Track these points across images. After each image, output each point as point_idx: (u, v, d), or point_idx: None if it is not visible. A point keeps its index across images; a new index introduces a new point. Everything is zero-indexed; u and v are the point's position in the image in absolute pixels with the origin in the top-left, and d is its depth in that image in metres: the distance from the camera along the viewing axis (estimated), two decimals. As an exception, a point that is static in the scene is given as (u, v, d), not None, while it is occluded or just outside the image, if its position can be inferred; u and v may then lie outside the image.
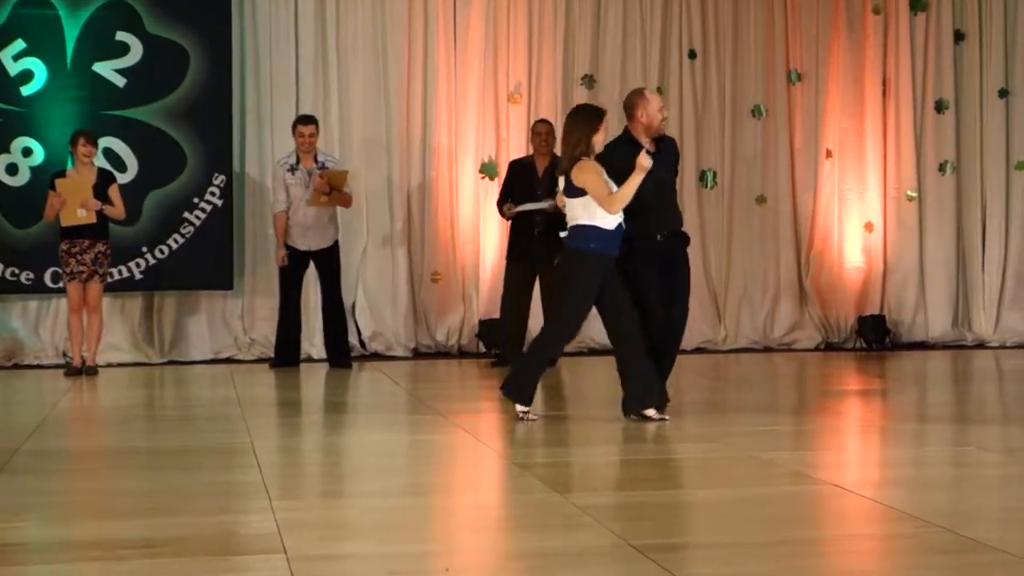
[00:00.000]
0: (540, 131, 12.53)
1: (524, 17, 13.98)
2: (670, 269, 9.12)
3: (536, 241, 12.24)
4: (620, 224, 8.68)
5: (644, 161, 8.57)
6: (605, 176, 8.67)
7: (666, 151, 9.26)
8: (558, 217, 12.29)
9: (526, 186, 12.36)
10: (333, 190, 12.29)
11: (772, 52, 14.51)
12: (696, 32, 14.36)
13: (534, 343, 9.45)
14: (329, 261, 12.50)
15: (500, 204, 12.62)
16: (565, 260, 8.87)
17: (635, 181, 8.56)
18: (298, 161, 12.40)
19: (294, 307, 12.56)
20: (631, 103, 9.19)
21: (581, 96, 13.94)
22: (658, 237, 9.05)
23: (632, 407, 8.77)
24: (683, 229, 9.42)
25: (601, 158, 8.82)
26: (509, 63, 13.96)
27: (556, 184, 12.27)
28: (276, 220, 12.47)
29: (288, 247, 12.39)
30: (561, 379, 11.84)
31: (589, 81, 14.10)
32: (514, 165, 12.74)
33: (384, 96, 13.67)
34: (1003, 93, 14.86)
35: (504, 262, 12.84)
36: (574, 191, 8.73)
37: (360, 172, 13.55)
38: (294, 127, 12.50)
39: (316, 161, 12.42)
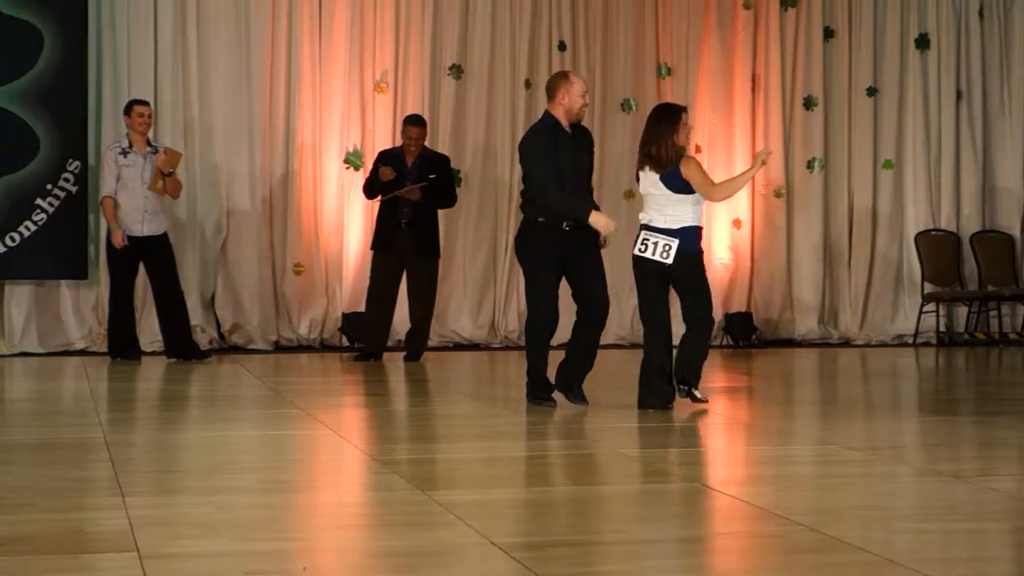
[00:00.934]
0: (412, 134, 12.38)
1: (391, 5, 13.82)
2: (577, 260, 8.98)
3: (403, 232, 12.15)
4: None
5: (763, 155, 9.00)
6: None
7: (587, 138, 9.19)
8: (424, 209, 12.24)
9: (396, 176, 12.22)
10: (171, 173, 12.04)
11: (642, 46, 14.49)
12: (566, 24, 14.29)
13: (703, 346, 9.30)
14: (165, 248, 12.24)
15: (368, 189, 12.47)
16: (688, 266, 8.89)
17: (749, 175, 9.09)
18: (131, 145, 12.11)
19: (130, 296, 12.25)
20: (554, 84, 9.09)
21: (449, 87, 13.82)
22: (564, 226, 8.88)
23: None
24: None
25: (526, 141, 9.05)
26: (376, 52, 13.80)
27: (424, 177, 12.20)
28: (104, 204, 12.13)
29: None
30: (426, 373, 11.71)
31: (457, 71, 13.97)
32: (384, 155, 12.59)
33: (247, 82, 13.44)
34: (872, 91, 14.99)
35: (369, 253, 12.69)
36: (676, 186, 8.80)
37: (221, 158, 13.32)
38: (128, 110, 12.20)
39: (149, 145, 12.16)
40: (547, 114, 9.12)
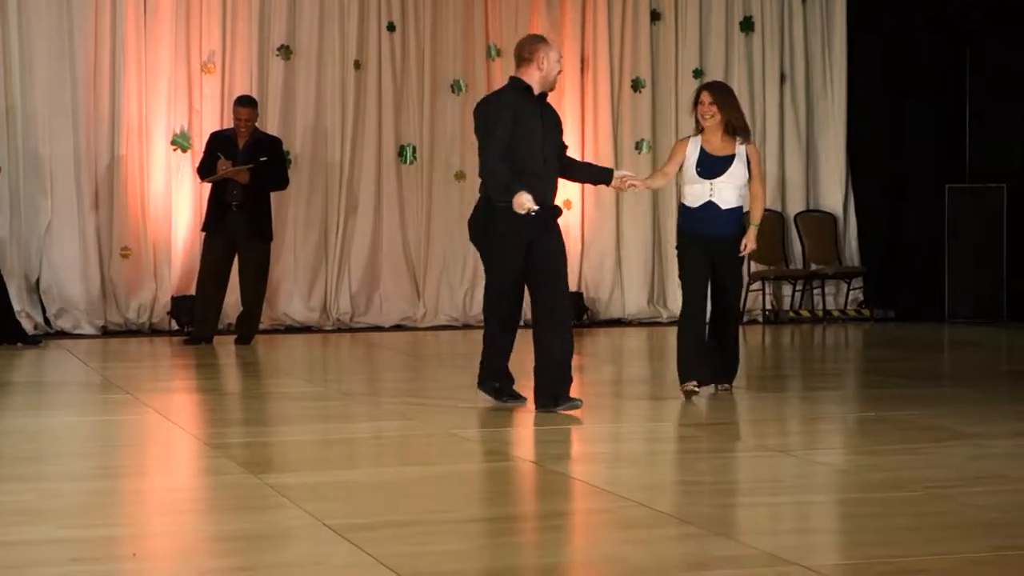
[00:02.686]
0: (242, 115, 12.27)
1: (218, -17, 13.64)
2: (541, 244, 8.08)
3: (234, 215, 12.06)
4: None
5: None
6: None
7: (555, 115, 8.40)
8: (255, 191, 12.13)
9: (227, 158, 12.10)
10: None
11: (472, 27, 14.49)
12: (395, 5, 14.23)
13: (733, 331, 9.12)
14: None
15: (202, 171, 12.33)
16: (734, 251, 8.75)
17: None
18: None
19: None
20: (531, 48, 8.17)
21: (277, 67, 13.71)
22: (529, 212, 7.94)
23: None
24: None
25: (484, 103, 8.33)
26: (202, 32, 13.62)
27: (255, 159, 12.09)
28: None
29: None
30: (257, 356, 11.61)
31: (286, 52, 13.85)
32: (215, 136, 12.47)
33: (69, 65, 13.17)
34: (698, 73, 15.16)
35: (200, 237, 12.54)
36: (728, 169, 8.73)
37: (44, 142, 13.06)
38: None
39: None
40: (516, 79, 8.22)
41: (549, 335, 8.04)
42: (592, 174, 9.05)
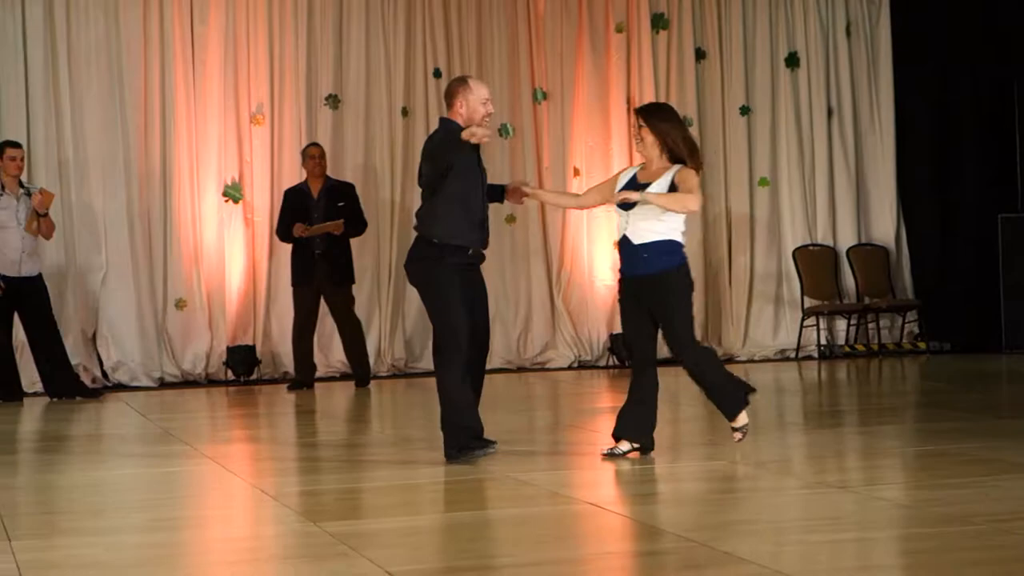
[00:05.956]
0: (313, 154, 12.72)
1: (264, 36, 13.76)
2: (473, 286, 8.18)
3: (318, 263, 12.34)
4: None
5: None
6: None
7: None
8: (336, 238, 12.31)
9: (302, 211, 12.45)
10: (45, 214, 11.89)
11: (517, 70, 14.55)
12: (440, 50, 14.31)
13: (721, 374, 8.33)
14: (41, 289, 12.09)
15: (280, 233, 12.60)
16: (671, 289, 8.03)
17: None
18: (3, 188, 11.94)
19: (9, 338, 12.06)
20: (451, 91, 8.10)
21: (326, 116, 13.81)
22: (469, 251, 8.09)
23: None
24: None
25: (429, 141, 8.15)
26: (251, 84, 13.73)
27: (332, 206, 12.31)
28: None
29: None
30: (313, 403, 11.65)
31: (334, 101, 13.94)
32: (289, 193, 12.77)
33: (120, 120, 13.31)
34: (745, 110, 15.17)
35: (248, 286, 12.71)
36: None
37: (97, 196, 13.19)
38: (0, 152, 12.00)
39: (22, 187, 12.01)
40: (447, 120, 8.10)
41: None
42: (490, 194, 8.42)
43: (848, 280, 15.42)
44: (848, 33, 15.56)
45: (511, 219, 14.43)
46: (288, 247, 12.78)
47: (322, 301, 12.68)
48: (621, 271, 8.06)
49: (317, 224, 12.42)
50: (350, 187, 12.92)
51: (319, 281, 12.49)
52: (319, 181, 12.70)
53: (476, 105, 8.04)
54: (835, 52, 15.53)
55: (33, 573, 5.19)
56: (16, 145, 12.11)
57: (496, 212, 14.29)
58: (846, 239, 15.48)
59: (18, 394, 12.09)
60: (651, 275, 7.93)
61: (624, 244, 7.96)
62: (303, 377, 12.67)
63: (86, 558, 5.59)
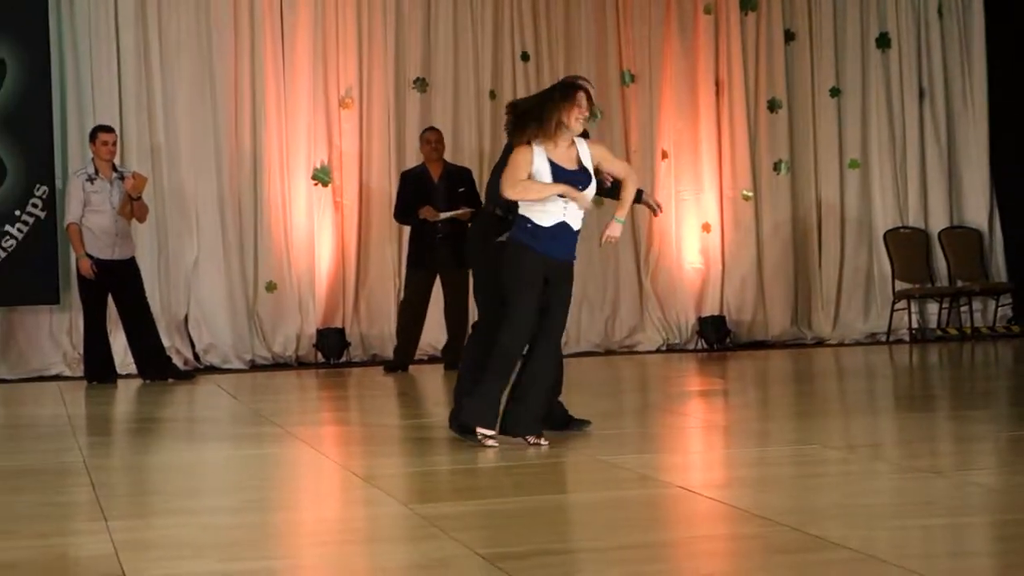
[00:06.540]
0: (430, 139, 12.81)
1: (353, 20, 13.81)
2: None
3: (438, 246, 12.36)
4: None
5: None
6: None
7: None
8: (457, 221, 12.34)
9: (424, 194, 12.42)
10: (138, 198, 12.03)
11: (605, 54, 14.52)
12: (528, 34, 14.31)
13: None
14: (134, 272, 12.23)
15: (400, 215, 12.65)
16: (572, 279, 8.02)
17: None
18: (97, 171, 12.08)
19: (103, 321, 12.22)
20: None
21: (414, 100, 13.87)
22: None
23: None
24: None
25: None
26: (339, 68, 13.79)
27: (453, 190, 12.34)
28: (70, 231, 12.06)
29: (92, 259, 12.02)
30: (405, 386, 11.71)
31: (422, 84, 13.98)
32: (408, 176, 12.80)
33: (212, 102, 13.42)
34: (835, 92, 15.05)
35: (338, 270, 12.75)
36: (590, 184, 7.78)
37: (188, 180, 13.32)
38: (94, 136, 12.15)
39: (116, 171, 12.14)
40: None
41: None
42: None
43: (940, 263, 15.27)
44: (940, 13, 15.39)
45: (599, 202, 14.36)
46: (388, 230, 12.80)
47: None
48: (551, 254, 7.77)
49: (444, 210, 12.39)
50: (468, 172, 12.94)
51: (439, 264, 12.46)
52: (438, 165, 12.73)
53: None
54: (927, 32, 15.36)
55: (129, 553, 5.26)
56: (109, 129, 12.25)
57: (584, 195, 14.34)
58: (938, 221, 15.33)
59: (112, 376, 12.25)
60: (571, 263, 7.88)
61: (564, 229, 7.79)
62: (401, 359, 12.69)
63: (181, 538, 5.66)
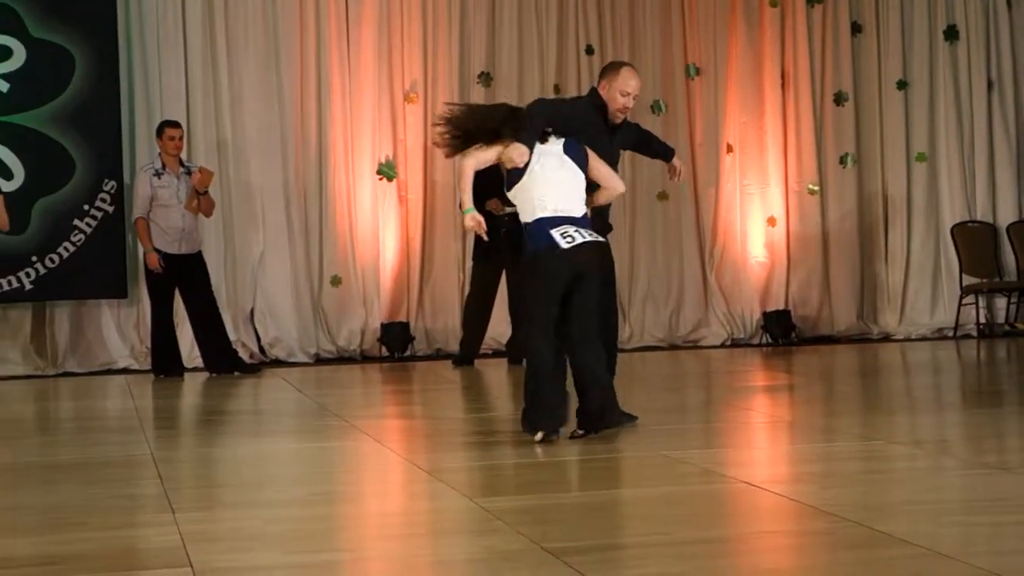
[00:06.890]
0: None
1: (418, 14, 13.84)
2: None
3: (503, 240, 12.31)
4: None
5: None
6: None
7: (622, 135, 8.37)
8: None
9: (489, 188, 12.31)
10: (205, 192, 12.11)
11: (670, 47, 14.48)
12: (593, 28, 14.30)
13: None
14: (201, 266, 12.31)
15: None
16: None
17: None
18: (164, 166, 12.17)
19: (170, 315, 12.32)
20: (605, 70, 8.33)
21: (478, 94, 13.87)
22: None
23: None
24: None
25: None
26: (404, 62, 13.83)
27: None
28: (138, 226, 12.18)
29: (159, 253, 12.12)
30: (470, 380, 11.73)
31: (486, 79, 14.00)
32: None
33: (278, 97, 13.49)
34: (902, 84, 14.95)
35: (403, 264, 12.79)
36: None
37: (254, 174, 13.40)
38: (160, 131, 12.26)
39: (183, 166, 12.23)
40: (594, 93, 8.29)
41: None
42: None
43: (1008, 257, 15.14)
44: (1009, 4, 15.24)
45: (663, 196, 14.38)
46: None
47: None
48: (571, 241, 7.85)
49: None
50: None
51: (503, 258, 12.45)
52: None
53: (615, 94, 8.11)
54: (995, 24, 15.23)
55: (196, 545, 5.29)
56: (175, 124, 12.34)
57: (647, 189, 14.33)
58: (1006, 215, 15.19)
59: (178, 369, 12.34)
60: (599, 245, 7.91)
61: (564, 219, 7.97)
62: (468, 353, 12.73)
63: (247, 531, 5.69)
